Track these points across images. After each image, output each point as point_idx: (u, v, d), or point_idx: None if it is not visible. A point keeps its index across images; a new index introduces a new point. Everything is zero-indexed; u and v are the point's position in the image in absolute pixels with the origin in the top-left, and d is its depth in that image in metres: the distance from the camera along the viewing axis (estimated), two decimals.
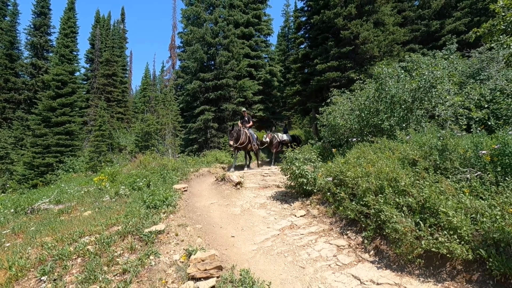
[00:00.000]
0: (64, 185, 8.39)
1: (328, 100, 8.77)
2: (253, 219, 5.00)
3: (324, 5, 15.57)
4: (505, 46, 3.43)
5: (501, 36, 3.54)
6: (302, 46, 19.39)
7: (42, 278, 2.70)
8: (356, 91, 8.27)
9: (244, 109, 10.54)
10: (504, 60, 3.57)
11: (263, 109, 19.86)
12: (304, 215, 4.86)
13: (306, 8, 18.66)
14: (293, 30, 23.69)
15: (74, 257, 3.05)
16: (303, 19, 18.78)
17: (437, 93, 6.12)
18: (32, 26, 25.89)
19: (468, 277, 2.62)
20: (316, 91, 16.74)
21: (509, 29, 3.47)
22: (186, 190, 6.29)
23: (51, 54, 26.42)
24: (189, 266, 2.77)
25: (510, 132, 4.42)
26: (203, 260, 2.78)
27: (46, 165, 16.84)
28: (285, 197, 5.87)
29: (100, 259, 2.92)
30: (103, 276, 2.65)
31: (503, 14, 3.47)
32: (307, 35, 18.83)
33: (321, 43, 16.05)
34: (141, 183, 6.27)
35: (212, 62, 18.11)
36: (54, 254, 3.04)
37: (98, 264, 2.81)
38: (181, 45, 23.05)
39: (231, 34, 17.15)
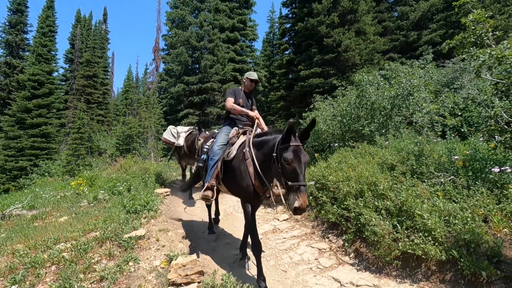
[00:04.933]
0: (39, 190, 8.02)
1: (312, 106, 8.93)
2: (236, 224, 4.99)
3: (308, 12, 15.92)
4: (475, 58, 3.63)
5: (471, 48, 3.75)
6: (287, 52, 19.68)
7: (12, 287, 2.56)
8: (338, 97, 8.47)
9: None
10: (475, 70, 3.78)
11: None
12: (287, 219, 4.90)
13: (290, 15, 19.00)
14: (278, 36, 24.04)
15: (48, 265, 2.91)
16: (288, 25, 19.10)
17: (414, 100, 6.38)
18: (7, 23, 24.78)
19: (442, 277, 2.73)
20: (300, 97, 17.00)
21: (478, 41, 3.68)
22: (168, 195, 6.18)
23: (27, 53, 25.32)
24: (169, 271, 2.72)
25: (481, 139, 4.68)
26: (184, 266, 2.74)
27: (20, 169, 16.03)
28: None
29: (76, 267, 2.80)
30: (79, 284, 2.55)
31: (473, 27, 3.68)
32: (291, 42, 19.14)
33: (305, 49, 16.36)
34: (122, 188, 6.10)
35: (197, 66, 18.04)
36: (26, 262, 2.89)
37: (74, 272, 2.70)
38: (165, 47, 22.79)
39: (216, 38, 17.17)
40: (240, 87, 3.90)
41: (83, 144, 16.99)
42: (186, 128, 7.09)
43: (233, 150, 3.17)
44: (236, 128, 3.55)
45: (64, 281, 2.53)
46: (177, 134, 6.85)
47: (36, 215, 4.95)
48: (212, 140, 3.88)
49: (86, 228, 3.74)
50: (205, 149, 3.73)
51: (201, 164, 3.72)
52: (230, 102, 3.63)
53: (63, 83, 29.76)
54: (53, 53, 24.83)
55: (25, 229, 4.11)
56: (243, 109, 3.59)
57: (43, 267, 2.86)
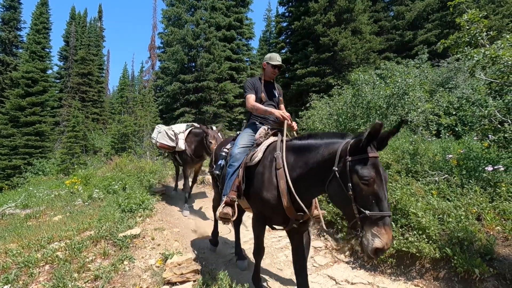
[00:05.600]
0: (33, 189, 7.93)
1: (308, 105, 8.95)
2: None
3: (305, 11, 15.93)
4: (469, 58, 3.66)
5: (466, 48, 3.79)
6: (283, 51, 19.67)
7: (4, 287, 2.54)
8: (334, 96, 8.50)
9: None
10: (469, 70, 3.81)
11: (244, 112, 19.89)
12: None
13: (287, 14, 19.00)
14: (275, 35, 24.03)
15: (41, 264, 2.89)
16: (284, 24, 19.10)
17: (409, 99, 6.42)
18: (0, 20, 24.41)
19: (436, 275, 2.76)
20: (297, 96, 17.02)
21: (472, 41, 3.72)
22: (164, 193, 6.16)
23: (20, 50, 24.99)
24: (165, 270, 2.71)
25: (474, 138, 4.74)
26: (179, 264, 2.73)
27: (13, 168, 15.84)
28: None
29: (70, 266, 2.78)
30: (73, 283, 2.53)
31: (467, 27, 3.72)
32: (288, 40, 19.15)
33: (302, 48, 16.37)
34: (117, 186, 6.05)
35: (193, 64, 17.94)
36: (20, 261, 2.86)
37: (68, 271, 2.68)
38: (161, 45, 22.62)
39: (212, 36, 17.08)
40: (258, 76, 3.13)
41: (78, 143, 16.83)
42: (182, 126, 5.87)
43: (259, 152, 2.43)
44: (265, 128, 2.77)
45: (58, 281, 2.51)
46: (174, 136, 5.65)
47: (30, 214, 4.90)
48: (230, 143, 3.15)
49: (81, 227, 3.71)
50: (224, 153, 3.03)
51: (218, 172, 2.98)
52: (251, 100, 2.86)
53: (58, 81, 29.41)
54: (47, 50, 24.57)
55: (18, 228, 4.06)
56: (268, 108, 2.79)
57: (36, 266, 2.84)
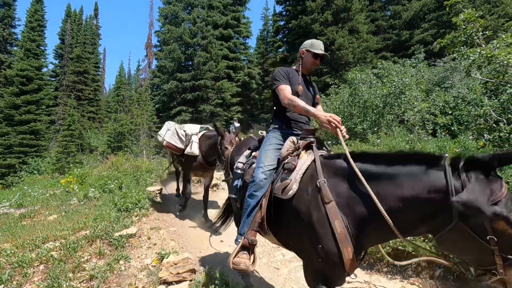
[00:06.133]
0: (27, 188, 7.86)
1: None
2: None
3: (302, 10, 15.94)
4: (465, 57, 3.68)
5: (462, 48, 3.81)
6: (281, 49, 19.71)
7: None
8: (331, 95, 8.52)
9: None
10: (465, 70, 3.83)
11: (241, 111, 19.88)
12: None
13: (284, 13, 19.01)
14: (272, 33, 24.04)
15: (36, 264, 2.86)
16: (282, 23, 19.11)
17: (406, 99, 6.46)
18: None
19: (431, 273, 2.78)
20: None
21: (469, 41, 3.75)
22: (160, 192, 6.13)
23: (15, 48, 24.71)
24: (161, 270, 2.70)
25: (470, 137, 4.76)
26: (175, 264, 2.72)
27: (8, 167, 15.68)
28: None
29: (65, 266, 2.76)
30: (67, 283, 2.51)
31: (463, 27, 3.74)
32: (285, 39, 19.17)
33: (299, 47, 16.30)
34: (113, 185, 6.02)
35: (190, 63, 17.90)
36: (14, 261, 2.83)
37: (63, 271, 2.66)
38: (158, 44, 22.49)
39: (209, 35, 17.05)
40: (293, 67, 2.37)
41: (73, 142, 16.70)
42: (196, 127, 5.02)
43: (293, 182, 1.72)
44: (294, 139, 1.97)
45: (52, 281, 2.49)
46: (185, 136, 4.84)
47: (25, 213, 4.85)
48: (248, 153, 2.43)
49: (76, 226, 3.68)
50: (239, 171, 2.33)
51: (234, 196, 2.35)
52: (287, 93, 2.08)
53: (53, 79, 29.11)
54: (42, 48, 24.25)
55: (12, 228, 4.02)
56: (310, 107, 2.01)
57: (30, 266, 2.81)
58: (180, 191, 5.75)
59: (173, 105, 17.40)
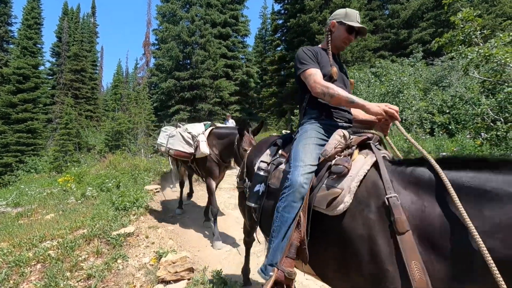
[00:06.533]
0: (24, 187, 7.83)
1: None
2: (227, 220, 4.97)
3: (300, 9, 15.93)
4: (463, 56, 3.69)
5: (460, 46, 3.82)
6: (279, 48, 19.70)
7: None
8: None
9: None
10: (463, 69, 3.84)
11: (240, 109, 19.86)
12: None
13: (283, 11, 18.99)
14: (270, 32, 24.02)
15: (33, 263, 2.84)
16: (280, 22, 19.10)
17: (404, 98, 6.48)
18: None
19: None
20: (292, 93, 17.04)
21: (467, 40, 3.75)
22: (158, 191, 6.11)
23: (11, 46, 24.55)
24: (159, 269, 2.69)
25: (467, 136, 4.79)
26: (174, 263, 2.72)
27: (5, 165, 15.63)
28: None
29: (62, 265, 2.75)
30: (65, 283, 2.49)
31: (462, 26, 3.75)
32: (283, 38, 19.16)
33: (297, 46, 16.37)
34: (110, 184, 6.00)
35: (188, 61, 17.86)
36: (10, 260, 2.81)
37: (60, 270, 2.65)
38: (156, 42, 22.44)
39: (208, 33, 17.00)
40: (320, 45, 1.92)
41: (71, 140, 16.65)
42: (200, 126, 4.46)
43: (345, 193, 1.23)
44: (344, 133, 1.45)
45: (49, 280, 2.48)
46: (192, 139, 4.22)
47: (21, 212, 4.83)
48: (273, 149, 1.87)
49: (74, 225, 3.67)
50: (261, 172, 1.78)
51: (253, 205, 1.76)
52: (318, 78, 1.61)
53: (50, 77, 28.98)
54: (39, 46, 24.11)
55: (9, 227, 4.00)
56: (354, 97, 1.52)
57: (28, 265, 2.79)
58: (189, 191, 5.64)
59: (171, 104, 17.36)
